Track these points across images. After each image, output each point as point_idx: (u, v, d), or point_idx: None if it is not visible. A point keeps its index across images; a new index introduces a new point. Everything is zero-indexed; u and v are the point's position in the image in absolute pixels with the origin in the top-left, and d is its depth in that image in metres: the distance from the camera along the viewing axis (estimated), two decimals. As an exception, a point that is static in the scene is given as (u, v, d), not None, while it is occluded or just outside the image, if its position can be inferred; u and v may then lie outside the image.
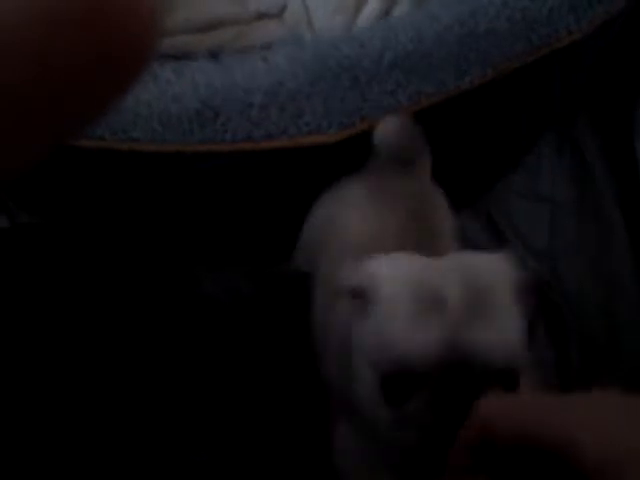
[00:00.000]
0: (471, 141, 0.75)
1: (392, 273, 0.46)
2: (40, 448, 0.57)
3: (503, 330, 0.42)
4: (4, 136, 0.25)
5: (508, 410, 0.34)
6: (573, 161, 0.94)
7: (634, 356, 0.82)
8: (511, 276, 0.45)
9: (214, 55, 0.83)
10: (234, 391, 0.70)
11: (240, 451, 0.66)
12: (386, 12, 0.87)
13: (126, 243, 0.80)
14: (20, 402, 0.61)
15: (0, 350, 0.61)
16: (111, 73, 0.26)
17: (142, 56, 0.27)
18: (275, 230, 0.69)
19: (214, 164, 0.62)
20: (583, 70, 0.82)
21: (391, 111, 0.57)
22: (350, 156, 0.62)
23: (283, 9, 0.91)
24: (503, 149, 0.85)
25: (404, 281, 0.45)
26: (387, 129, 0.56)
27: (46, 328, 0.68)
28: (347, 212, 0.58)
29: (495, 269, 0.45)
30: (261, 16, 0.91)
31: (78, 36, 0.24)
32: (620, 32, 0.81)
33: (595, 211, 0.91)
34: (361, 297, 0.46)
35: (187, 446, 0.65)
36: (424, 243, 0.54)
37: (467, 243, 0.90)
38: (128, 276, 0.77)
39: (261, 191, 0.67)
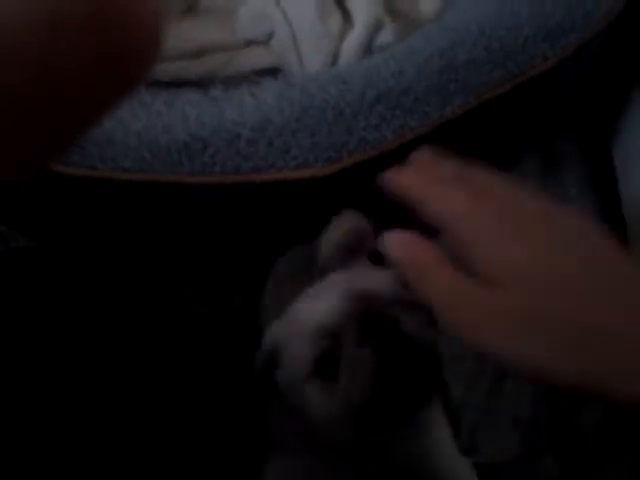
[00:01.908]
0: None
1: None
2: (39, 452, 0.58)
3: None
4: (4, 137, 0.25)
5: None
6: (555, 181, 0.95)
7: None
8: None
9: (204, 82, 0.85)
10: (224, 401, 0.71)
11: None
12: (370, 39, 0.90)
13: (118, 266, 0.81)
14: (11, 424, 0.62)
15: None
16: (112, 75, 0.26)
17: (144, 59, 0.27)
18: (261, 260, 0.70)
19: (203, 195, 0.64)
20: (562, 93, 0.84)
21: (377, 145, 0.59)
22: (338, 190, 0.64)
23: (270, 36, 0.93)
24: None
25: None
26: None
27: (41, 351, 0.69)
28: None
29: None
30: (249, 43, 0.93)
31: (79, 39, 0.24)
32: (597, 54, 0.84)
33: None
34: None
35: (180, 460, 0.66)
36: None
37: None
38: (122, 298, 0.78)
39: (249, 223, 0.69)
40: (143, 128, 0.64)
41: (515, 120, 0.78)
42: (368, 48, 0.90)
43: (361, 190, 0.66)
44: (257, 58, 0.93)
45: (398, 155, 0.65)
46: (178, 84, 0.83)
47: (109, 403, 0.68)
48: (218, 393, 0.73)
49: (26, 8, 0.23)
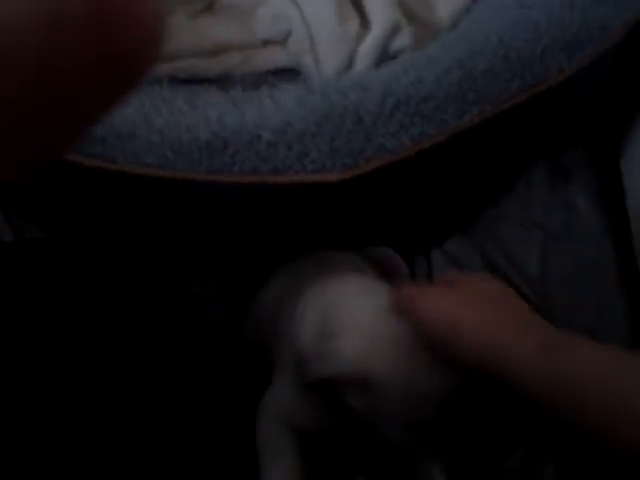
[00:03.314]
0: (464, 170, 0.78)
1: (380, 350, 0.51)
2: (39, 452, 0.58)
3: None
4: (3, 137, 0.25)
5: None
6: (564, 190, 0.96)
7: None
8: None
9: (221, 81, 0.86)
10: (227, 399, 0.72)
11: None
12: (387, 42, 0.91)
13: (129, 261, 0.82)
14: (18, 418, 0.62)
15: (1, 363, 0.62)
16: (112, 75, 0.26)
17: (144, 59, 0.27)
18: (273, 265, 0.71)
19: (219, 194, 0.65)
20: (575, 105, 0.85)
21: (395, 152, 0.60)
22: (354, 195, 0.65)
23: (288, 36, 0.94)
24: (496, 177, 0.88)
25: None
26: None
27: (48, 343, 0.69)
28: None
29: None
30: (266, 43, 0.94)
31: (79, 39, 0.24)
32: (609, 69, 0.84)
33: (587, 241, 0.94)
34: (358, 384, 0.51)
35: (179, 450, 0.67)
36: None
37: (460, 269, 0.93)
38: (132, 294, 0.78)
39: (263, 225, 0.70)
40: (165, 125, 0.65)
41: (528, 131, 0.79)
42: (385, 52, 0.91)
43: (378, 196, 0.67)
44: (274, 58, 0.93)
45: (415, 162, 0.66)
46: (197, 82, 0.84)
47: (114, 394, 0.68)
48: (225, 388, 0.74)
49: (26, 8, 0.23)
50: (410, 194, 0.73)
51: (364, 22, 0.92)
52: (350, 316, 0.53)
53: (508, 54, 0.69)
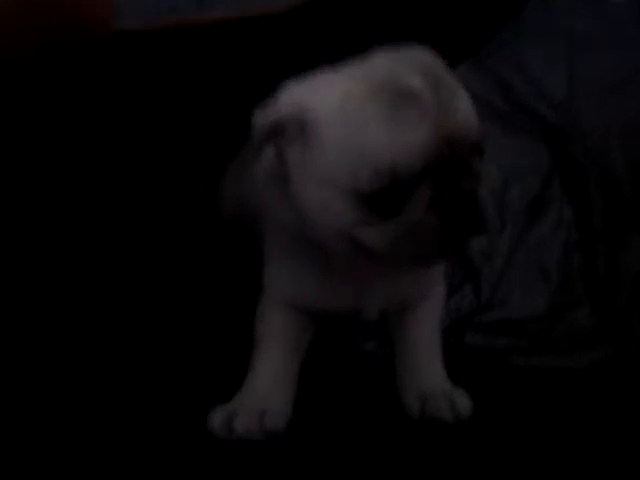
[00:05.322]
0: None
1: (328, 91, 0.43)
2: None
3: (468, 107, 0.43)
4: None
5: None
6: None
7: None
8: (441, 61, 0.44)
9: None
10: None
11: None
12: None
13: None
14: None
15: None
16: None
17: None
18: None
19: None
20: None
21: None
22: (302, 27, 0.52)
23: None
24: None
25: (354, 92, 0.42)
26: None
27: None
28: None
29: (428, 56, 0.44)
30: None
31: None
32: None
33: (620, 48, 0.80)
34: (297, 129, 0.43)
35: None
36: None
37: (472, 96, 0.81)
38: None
39: (209, 67, 0.59)
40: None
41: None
42: None
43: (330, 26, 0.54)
44: None
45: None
46: None
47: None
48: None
49: None
50: (395, 16, 0.60)
51: None
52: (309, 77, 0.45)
53: None
